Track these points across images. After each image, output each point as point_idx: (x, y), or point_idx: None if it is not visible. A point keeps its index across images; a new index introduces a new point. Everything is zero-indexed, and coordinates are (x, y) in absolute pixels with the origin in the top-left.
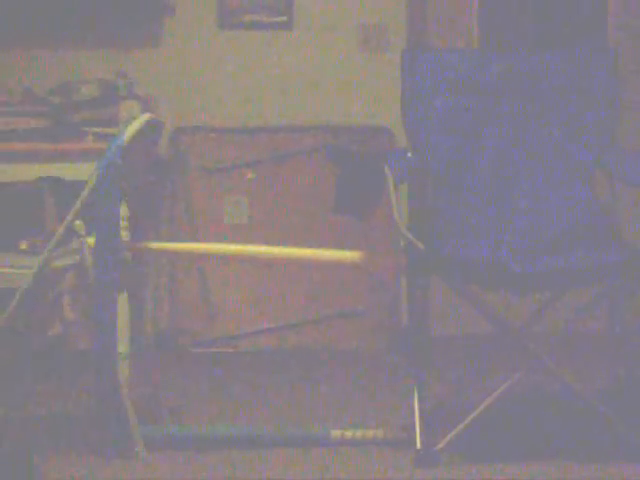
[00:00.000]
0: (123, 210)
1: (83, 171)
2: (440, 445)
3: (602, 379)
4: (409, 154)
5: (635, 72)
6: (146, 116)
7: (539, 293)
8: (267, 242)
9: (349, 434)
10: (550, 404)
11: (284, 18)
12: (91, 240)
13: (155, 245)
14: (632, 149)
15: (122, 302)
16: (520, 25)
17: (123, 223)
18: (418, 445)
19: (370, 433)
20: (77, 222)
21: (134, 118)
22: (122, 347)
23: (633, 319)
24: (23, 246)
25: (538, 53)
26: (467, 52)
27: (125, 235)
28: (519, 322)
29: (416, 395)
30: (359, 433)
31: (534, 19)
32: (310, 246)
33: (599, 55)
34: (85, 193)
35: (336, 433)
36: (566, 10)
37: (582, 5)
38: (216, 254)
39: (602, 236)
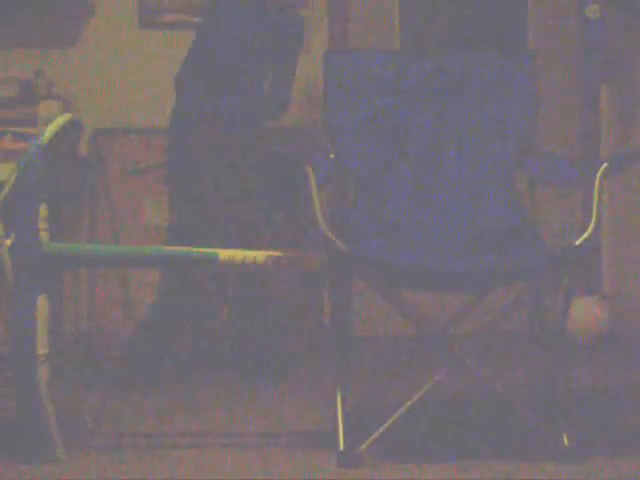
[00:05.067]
0: (42, 211)
1: (2, 171)
2: (363, 446)
3: (521, 379)
4: (331, 155)
5: (548, 69)
6: (66, 116)
7: (459, 294)
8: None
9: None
10: (471, 404)
11: None
12: (9, 241)
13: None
14: (546, 144)
15: (41, 304)
16: (441, 27)
17: (43, 224)
18: (341, 446)
19: (293, 434)
20: None
21: (54, 118)
22: (41, 349)
23: (552, 320)
24: None
25: (460, 55)
26: (389, 54)
27: (45, 236)
28: (440, 323)
29: (339, 396)
30: (282, 434)
31: (455, 21)
32: (232, 246)
33: (520, 57)
34: (4, 194)
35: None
36: (487, 12)
37: (502, 7)
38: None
39: (522, 237)
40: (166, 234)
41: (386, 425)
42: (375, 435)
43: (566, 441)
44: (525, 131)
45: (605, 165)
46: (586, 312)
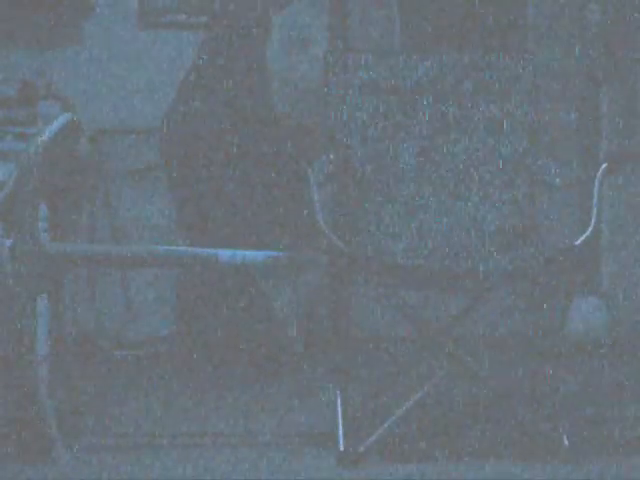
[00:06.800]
0: (42, 211)
1: (2, 171)
2: (363, 446)
3: (521, 379)
4: (332, 155)
5: (551, 73)
6: (66, 116)
7: (460, 294)
8: (190, 243)
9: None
10: (471, 404)
11: (205, 18)
12: (9, 241)
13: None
14: (546, 144)
15: (41, 304)
16: (441, 27)
17: (43, 224)
18: (341, 446)
19: (293, 434)
20: None
21: (54, 118)
22: (41, 349)
23: (552, 320)
24: None
25: (460, 55)
26: (389, 54)
27: (45, 236)
28: (441, 323)
29: (339, 396)
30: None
31: (455, 21)
32: (235, 246)
33: (520, 58)
34: (4, 194)
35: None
36: (487, 12)
37: (502, 7)
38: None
39: (522, 237)
40: (171, 233)
41: (386, 425)
42: (375, 435)
43: (566, 441)
44: (525, 131)
45: (605, 165)
46: (586, 312)
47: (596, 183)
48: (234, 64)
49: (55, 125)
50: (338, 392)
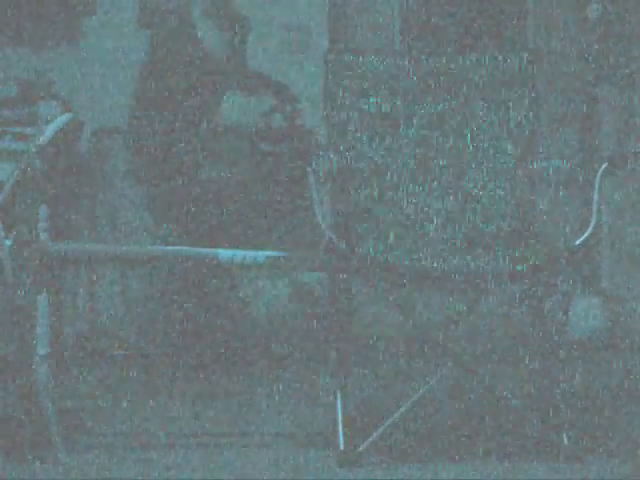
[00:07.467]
0: (42, 211)
1: (2, 171)
2: (363, 446)
3: (521, 379)
4: (332, 154)
5: (554, 72)
6: (66, 116)
7: (459, 294)
8: (189, 242)
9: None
10: (471, 404)
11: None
12: (9, 241)
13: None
14: (546, 144)
15: (41, 304)
16: (441, 27)
17: (43, 224)
18: (341, 446)
19: (293, 434)
20: None
21: (54, 118)
22: (41, 349)
23: (552, 320)
24: None
25: (460, 55)
26: (389, 54)
27: (45, 236)
28: (440, 323)
29: (339, 396)
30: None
31: (455, 21)
32: (232, 246)
33: (520, 58)
34: (4, 193)
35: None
36: (487, 12)
37: (502, 8)
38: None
39: (522, 237)
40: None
41: (386, 425)
42: (375, 435)
43: (566, 441)
44: (525, 131)
45: (605, 165)
46: (586, 312)
47: (596, 183)
48: (178, 61)
49: (55, 125)
50: (338, 392)
